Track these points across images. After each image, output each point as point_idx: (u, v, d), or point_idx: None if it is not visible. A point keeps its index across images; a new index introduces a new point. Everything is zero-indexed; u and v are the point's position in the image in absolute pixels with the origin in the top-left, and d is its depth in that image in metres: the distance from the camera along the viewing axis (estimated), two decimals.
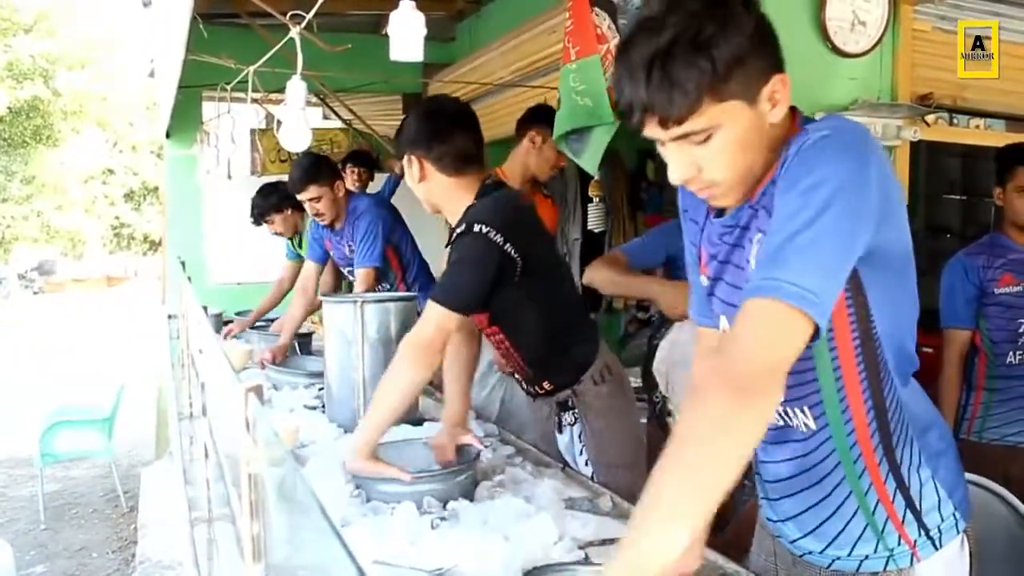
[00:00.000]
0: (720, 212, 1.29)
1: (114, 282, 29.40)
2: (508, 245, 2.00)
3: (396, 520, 1.70)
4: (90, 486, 6.75)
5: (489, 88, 4.99)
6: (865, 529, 1.32)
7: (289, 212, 4.40)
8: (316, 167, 3.54)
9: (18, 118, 20.47)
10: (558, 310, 2.22)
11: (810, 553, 1.40)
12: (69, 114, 21.86)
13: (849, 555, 1.35)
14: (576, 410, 2.25)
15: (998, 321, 2.79)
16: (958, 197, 5.61)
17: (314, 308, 3.85)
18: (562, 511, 1.78)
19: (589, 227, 5.30)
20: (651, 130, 1.12)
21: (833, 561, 1.37)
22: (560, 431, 2.30)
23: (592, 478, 2.19)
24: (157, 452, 6.61)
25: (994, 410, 2.83)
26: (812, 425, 1.29)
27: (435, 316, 1.97)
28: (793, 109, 1.21)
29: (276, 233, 4.54)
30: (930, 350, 3.85)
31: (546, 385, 2.28)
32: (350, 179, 4.89)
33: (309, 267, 3.89)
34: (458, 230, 2.03)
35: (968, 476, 2.44)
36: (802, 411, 1.29)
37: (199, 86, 5.07)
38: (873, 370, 1.23)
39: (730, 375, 1.01)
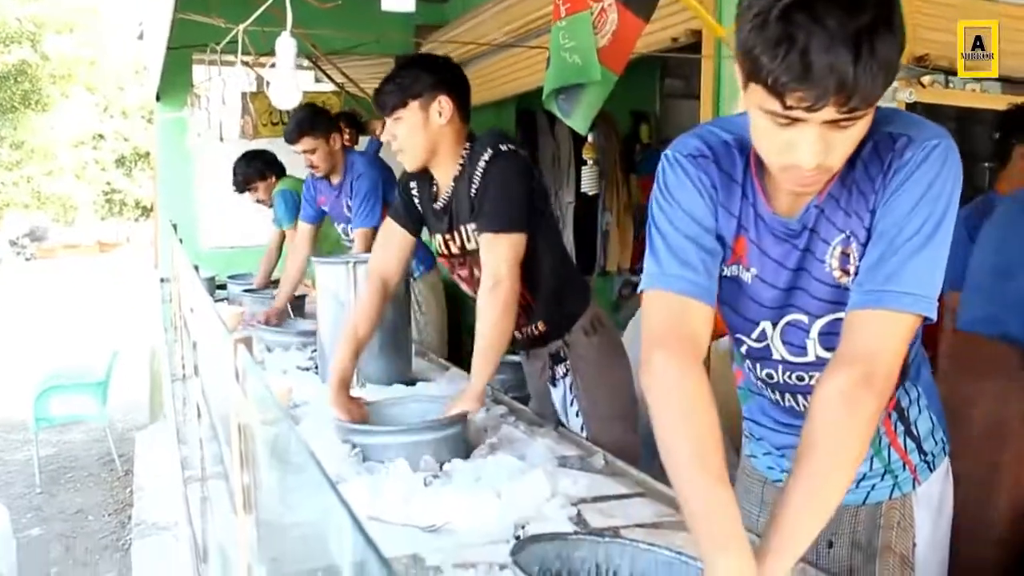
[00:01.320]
0: (774, 207, 1.23)
1: (106, 248, 29.29)
2: (530, 163, 2.13)
3: (390, 478, 1.70)
4: (85, 450, 6.77)
5: (483, 49, 4.95)
6: (872, 460, 1.40)
7: (273, 179, 4.39)
8: (311, 118, 3.52)
9: (6, 82, 20.24)
10: (557, 256, 2.26)
11: None
12: (58, 78, 21.62)
13: (856, 487, 1.41)
14: (568, 361, 2.25)
15: None
16: None
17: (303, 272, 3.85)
18: (555, 469, 1.79)
19: (583, 190, 5.28)
20: (810, 109, 1.01)
21: None
22: (554, 384, 2.31)
23: (582, 429, 2.20)
24: (151, 416, 6.64)
25: None
26: None
27: (508, 247, 2.03)
28: None
29: (259, 201, 4.52)
30: None
31: (540, 327, 2.27)
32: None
33: (303, 228, 3.87)
34: (484, 156, 2.07)
35: None
36: None
37: (189, 47, 5.01)
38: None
39: (875, 383, 1.08)
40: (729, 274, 1.30)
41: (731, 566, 1.01)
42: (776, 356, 1.34)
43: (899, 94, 3.09)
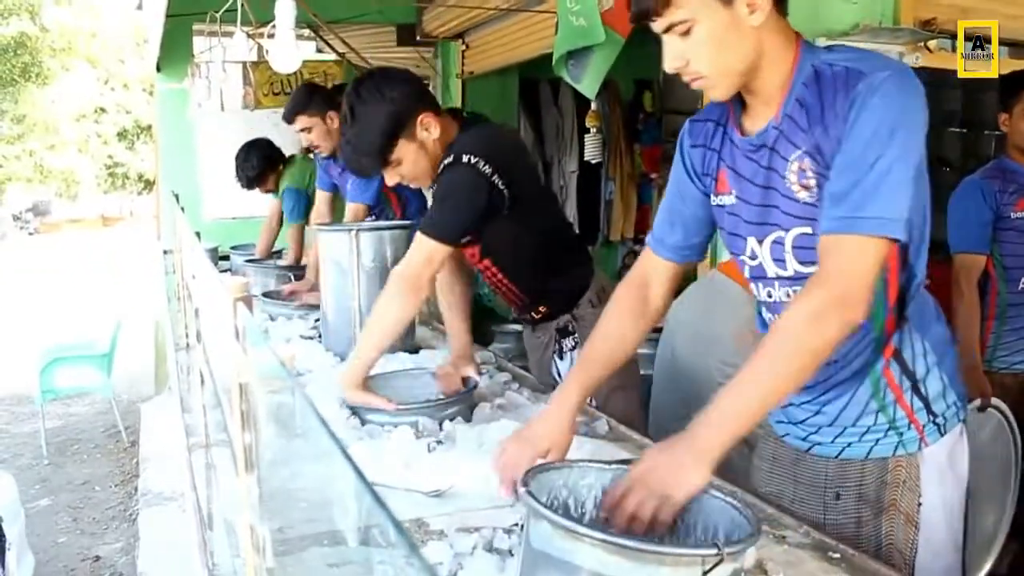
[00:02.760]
0: (742, 131, 1.39)
1: (109, 222, 29.32)
2: (496, 176, 1.99)
3: (392, 444, 1.71)
4: (91, 422, 6.81)
5: (485, 16, 4.90)
6: (877, 415, 1.42)
7: (280, 167, 4.31)
8: (307, 96, 3.45)
9: (5, 55, 20.14)
10: (549, 238, 2.22)
11: (820, 444, 1.49)
12: (58, 51, 21.51)
13: (857, 442, 1.44)
14: (577, 335, 2.25)
15: (1013, 246, 2.73)
16: (958, 130, 5.55)
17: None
18: None
19: (586, 158, 5.25)
20: (651, 25, 1.28)
21: (843, 449, 1.46)
22: (561, 357, 2.31)
23: (590, 401, 2.20)
24: (156, 388, 6.67)
25: (1005, 339, 2.78)
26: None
27: (425, 249, 1.97)
28: (796, 33, 1.33)
29: (268, 191, 4.43)
30: (928, 280, 3.86)
31: (541, 310, 2.28)
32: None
33: (321, 196, 3.78)
34: (445, 162, 2.01)
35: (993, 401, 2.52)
36: None
37: (188, 14, 4.96)
38: (905, 262, 1.35)
39: (846, 306, 1.17)
40: (718, 203, 1.47)
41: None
42: (770, 274, 1.42)
43: (905, 59, 3.05)
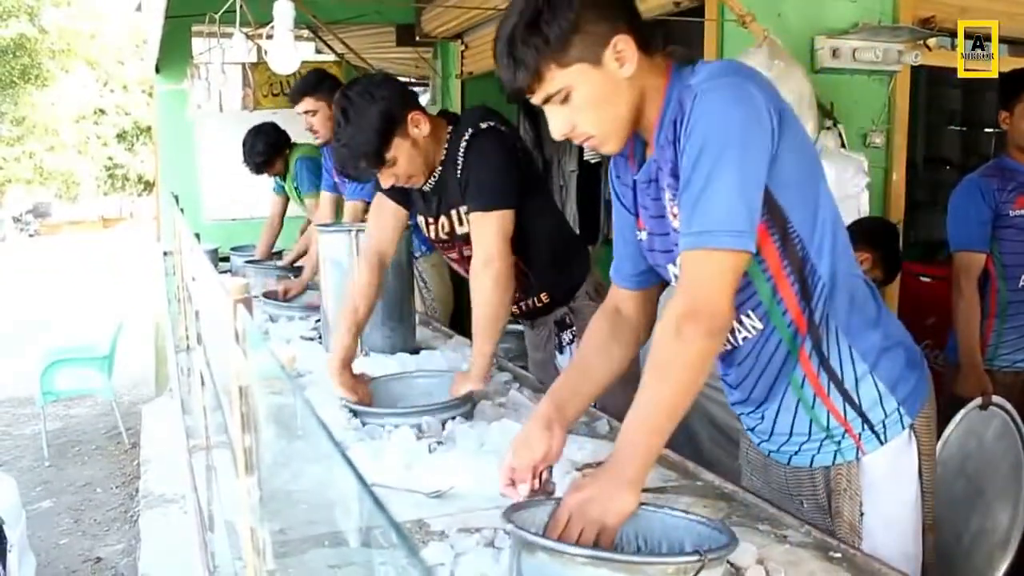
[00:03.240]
0: (638, 167, 1.42)
1: (109, 223, 29.33)
2: (513, 136, 2.11)
3: (393, 444, 1.70)
4: (92, 424, 6.81)
5: (485, 15, 4.89)
6: (811, 424, 1.43)
7: (286, 150, 4.29)
8: (316, 80, 3.44)
9: (5, 57, 20.13)
10: (556, 224, 2.28)
11: (772, 452, 1.52)
12: (57, 53, 21.51)
13: (798, 451, 1.47)
14: (574, 328, 2.25)
15: (1012, 244, 2.73)
16: (958, 128, 5.55)
17: None
18: None
19: (585, 158, 5.25)
20: (530, 99, 1.30)
21: (790, 458, 1.49)
22: (561, 351, 2.31)
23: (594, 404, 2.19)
24: (157, 390, 6.66)
25: (1006, 336, 2.79)
26: (759, 325, 1.41)
27: (495, 224, 2.02)
28: (667, 58, 1.35)
29: (276, 174, 4.41)
30: (928, 279, 3.85)
31: (543, 298, 2.28)
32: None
33: (325, 197, 3.76)
34: (465, 136, 2.05)
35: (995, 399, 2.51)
36: (747, 316, 1.40)
37: (187, 15, 4.97)
38: (797, 268, 1.35)
39: (700, 318, 1.20)
40: (639, 239, 1.49)
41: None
42: None
43: (904, 56, 3.05)
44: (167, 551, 3.94)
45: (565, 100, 1.28)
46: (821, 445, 1.43)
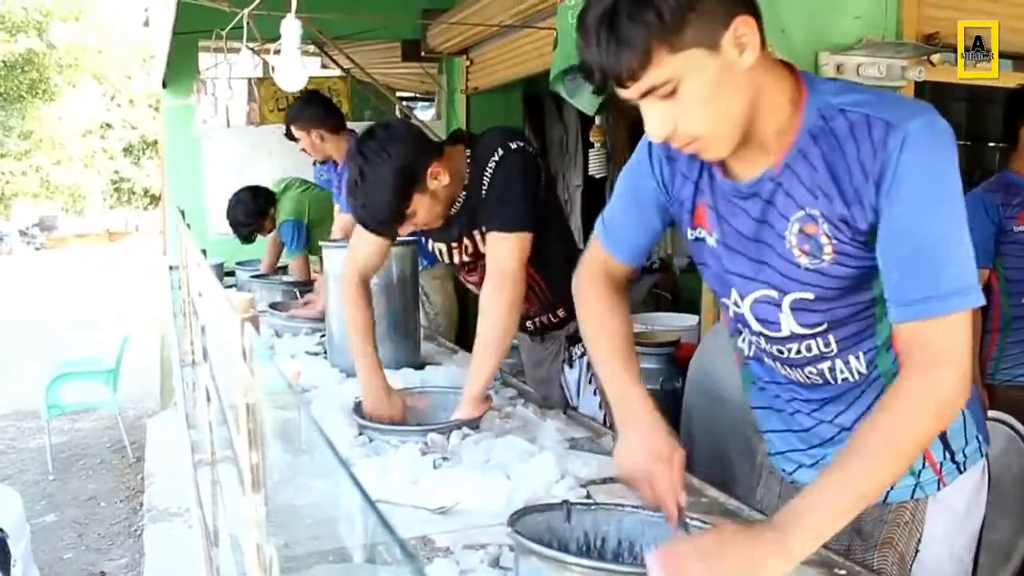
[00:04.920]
0: (726, 171, 1.25)
1: (115, 237, 29.40)
2: (537, 156, 2.07)
3: (398, 460, 1.70)
4: (97, 437, 6.80)
5: (490, 32, 4.92)
6: None
7: (271, 209, 4.34)
8: (298, 110, 3.56)
9: (13, 72, 20.24)
10: (568, 240, 2.27)
11: None
12: (65, 67, 21.62)
13: None
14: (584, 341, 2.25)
15: (1015, 259, 2.73)
16: (963, 142, 5.55)
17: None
18: (565, 451, 1.79)
19: (590, 173, 5.27)
20: (620, 92, 1.11)
21: None
22: (571, 365, 2.31)
23: (600, 407, 2.19)
24: (162, 403, 6.67)
25: (1008, 351, 2.79)
26: (864, 370, 1.29)
27: (515, 246, 1.99)
28: (791, 66, 1.20)
29: (269, 232, 4.45)
30: None
31: (560, 312, 2.27)
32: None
33: (343, 217, 3.81)
34: (495, 157, 2.00)
35: (991, 413, 2.50)
36: (856, 357, 1.28)
37: (194, 32, 5.00)
38: None
39: (937, 401, 1.07)
40: (694, 236, 1.35)
41: (634, 396, 1.32)
42: (754, 328, 1.32)
43: (908, 72, 3.05)
44: (171, 566, 3.94)
45: (671, 94, 1.08)
46: (901, 479, 1.31)
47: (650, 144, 1.35)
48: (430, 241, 2.25)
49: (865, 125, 1.10)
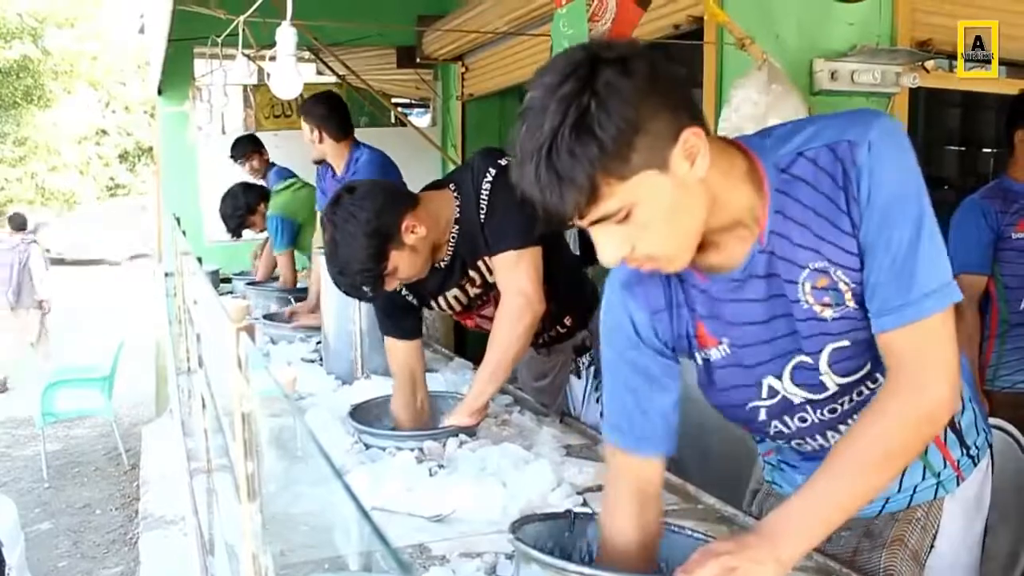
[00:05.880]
0: (707, 271, 1.17)
1: None
2: None
3: (394, 468, 1.70)
4: (92, 445, 6.79)
5: (485, 39, 4.93)
6: (924, 470, 1.32)
7: (262, 205, 4.37)
8: (309, 106, 3.53)
9: (8, 78, 20.22)
10: (566, 249, 2.25)
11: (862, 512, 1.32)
12: (60, 74, 21.60)
13: (899, 491, 1.33)
14: (592, 350, 2.25)
15: (1013, 266, 2.72)
16: (957, 148, 5.57)
17: None
18: (561, 458, 1.79)
19: None
20: (581, 220, 1.01)
21: (884, 505, 1.34)
22: (579, 376, 2.31)
23: (601, 415, 2.18)
24: (157, 410, 6.64)
25: (1006, 358, 2.78)
26: None
27: (531, 262, 1.95)
28: (731, 142, 1.13)
29: (261, 230, 4.48)
30: None
31: (567, 322, 2.25)
32: (244, 170, 4.79)
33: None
34: (488, 179, 1.96)
35: (990, 420, 2.49)
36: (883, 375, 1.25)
37: (190, 39, 5.00)
38: None
39: (928, 410, 1.05)
40: (701, 359, 1.25)
41: None
42: (798, 401, 1.24)
43: (902, 79, 3.07)
44: (166, 574, 3.92)
45: (625, 218, 1.00)
46: (922, 481, 1.32)
47: (618, 322, 1.23)
48: (435, 300, 2.15)
49: (828, 153, 1.08)
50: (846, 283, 1.11)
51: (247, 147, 4.79)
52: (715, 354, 1.22)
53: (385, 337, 2.16)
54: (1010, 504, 2.52)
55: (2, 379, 8.69)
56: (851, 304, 1.12)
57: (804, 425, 1.26)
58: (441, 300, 2.13)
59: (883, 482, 1.08)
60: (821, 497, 1.05)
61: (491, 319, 2.11)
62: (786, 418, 1.26)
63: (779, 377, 1.21)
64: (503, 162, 1.95)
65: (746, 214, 1.11)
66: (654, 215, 1.00)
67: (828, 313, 1.14)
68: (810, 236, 1.10)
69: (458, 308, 2.15)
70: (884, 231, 1.06)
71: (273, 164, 4.81)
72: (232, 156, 4.83)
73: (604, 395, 1.29)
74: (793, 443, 1.33)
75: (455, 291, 2.10)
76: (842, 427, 1.26)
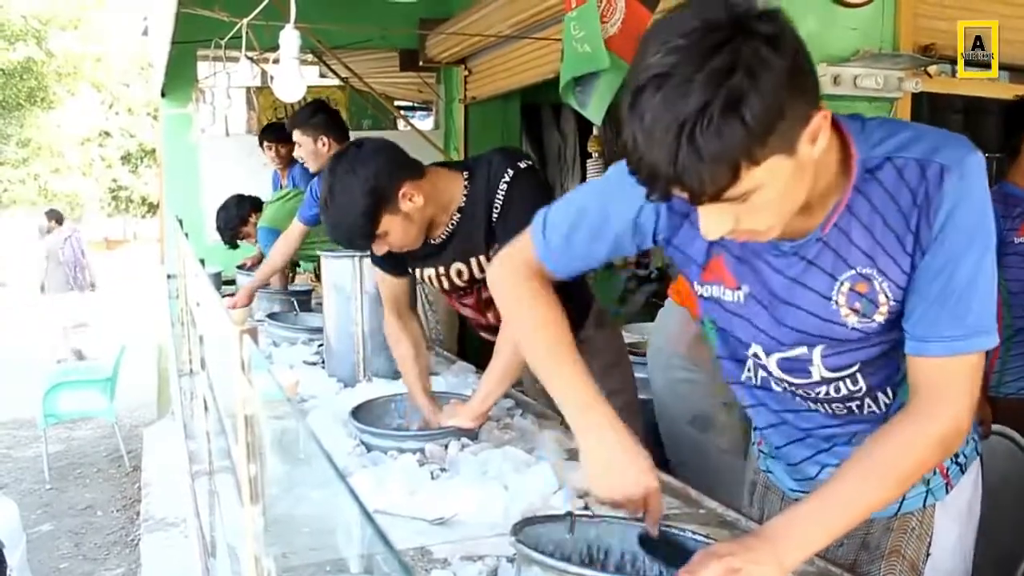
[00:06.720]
0: None
1: (113, 245, 29.35)
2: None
3: (396, 471, 1.70)
4: (94, 446, 6.79)
5: (488, 42, 4.93)
6: None
7: (253, 216, 4.40)
8: (306, 115, 3.52)
9: (11, 80, 20.27)
10: None
11: None
12: (63, 76, 21.65)
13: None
14: (584, 357, 2.25)
15: (1016, 271, 2.72)
16: None
17: (286, 263, 4.01)
18: (563, 461, 1.79)
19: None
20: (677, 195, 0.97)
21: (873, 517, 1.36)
22: None
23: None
24: (159, 412, 6.65)
25: (1011, 364, 2.77)
26: (889, 400, 1.30)
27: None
28: (834, 120, 1.08)
29: (254, 242, 4.51)
30: None
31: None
32: (268, 155, 4.81)
33: (298, 227, 3.78)
34: (506, 178, 1.96)
35: (994, 427, 2.49)
36: (884, 392, 1.28)
37: (193, 41, 5.01)
38: None
39: (946, 440, 1.09)
40: (706, 294, 1.27)
41: (601, 413, 1.23)
42: (776, 376, 1.30)
43: (905, 84, 3.07)
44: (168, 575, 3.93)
45: (743, 199, 0.97)
46: (911, 490, 1.32)
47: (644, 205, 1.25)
48: (419, 270, 2.18)
49: (917, 168, 1.07)
50: (887, 296, 1.12)
51: (280, 133, 4.65)
52: (726, 294, 1.24)
53: (375, 268, 2.21)
54: (1012, 509, 2.52)
55: (78, 349, 9.70)
56: (878, 319, 1.14)
57: (779, 390, 1.33)
58: (427, 273, 2.16)
59: (891, 498, 1.11)
60: (827, 505, 1.07)
61: (470, 307, 2.19)
62: (751, 374, 1.34)
63: (768, 353, 1.26)
64: (523, 165, 1.98)
65: (819, 197, 1.09)
66: (771, 198, 0.97)
67: (853, 319, 1.15)
68: (869, 240, 1.11)
69: (437, 287, 2.19)
70: (950, 263, 1.07)
71: (296, 161, 4.83)
72: (262, 138, 4.79)
73: (562, 201, 1.38)
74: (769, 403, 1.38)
75: (440, 270, 2.13)
76: (808, 402, 1.32)
